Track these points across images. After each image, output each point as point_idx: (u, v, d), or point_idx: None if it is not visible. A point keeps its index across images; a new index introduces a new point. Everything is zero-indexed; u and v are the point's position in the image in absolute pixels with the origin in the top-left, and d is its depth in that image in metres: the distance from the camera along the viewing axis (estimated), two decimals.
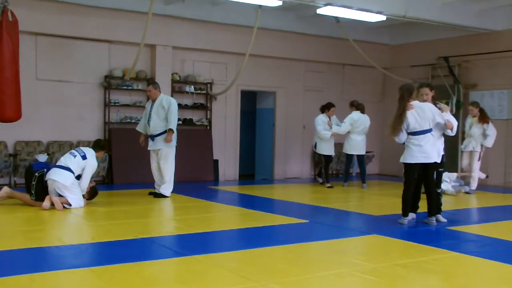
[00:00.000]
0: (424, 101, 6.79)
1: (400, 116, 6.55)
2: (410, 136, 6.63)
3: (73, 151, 7.74)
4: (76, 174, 7.49)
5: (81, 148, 7.84)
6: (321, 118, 10.92)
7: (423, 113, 6.60)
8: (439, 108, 6.83)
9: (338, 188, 10.74)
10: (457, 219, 7.24)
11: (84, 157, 7.59)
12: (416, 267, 4.67)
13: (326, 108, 11.00)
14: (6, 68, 7.64)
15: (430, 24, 11.34)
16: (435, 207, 6.81)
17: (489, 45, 11.93)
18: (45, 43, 10.13)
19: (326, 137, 10.76)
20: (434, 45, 13.01)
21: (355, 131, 10.79)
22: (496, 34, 11.82)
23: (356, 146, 10.83)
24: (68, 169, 7.43)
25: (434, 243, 5.69)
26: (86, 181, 7.61)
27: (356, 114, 10.82)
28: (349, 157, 10.97)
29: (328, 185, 10.82)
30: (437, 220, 6.90)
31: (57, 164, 7.61)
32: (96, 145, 7.96)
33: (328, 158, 11.00)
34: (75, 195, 7.41)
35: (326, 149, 10.91)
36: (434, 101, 6.95)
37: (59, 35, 10.18)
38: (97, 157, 7.79)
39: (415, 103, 6.64)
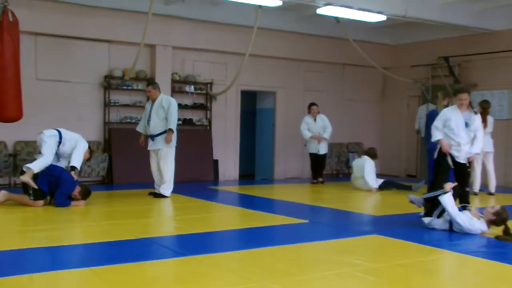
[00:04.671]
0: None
1: None
2: None
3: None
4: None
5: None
6: (306, 120, 11.49)
7: None
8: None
9: (338, 188, 10.76)
10: None
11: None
12: (416, 267, 4.67)
13: (308, 108, 11.63)
14: (7, 69, 7.65)
15: (430, 24, 11.34)
16: None
17: (489, 45, 11.92)
18: (45, 43, 10.13)
19: (306, 137, 11.43)
20: (434, 45, 13.00)
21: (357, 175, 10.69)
22: (496, 34, 11.82)
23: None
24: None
25: (434, 243, 5.69)
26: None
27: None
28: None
29: (314, 181, 11.50)
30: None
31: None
32: None
33: (313, 156, 11.51)
34: None
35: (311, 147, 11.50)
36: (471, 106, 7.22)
37: (59, 35, 10.17)
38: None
39: None
